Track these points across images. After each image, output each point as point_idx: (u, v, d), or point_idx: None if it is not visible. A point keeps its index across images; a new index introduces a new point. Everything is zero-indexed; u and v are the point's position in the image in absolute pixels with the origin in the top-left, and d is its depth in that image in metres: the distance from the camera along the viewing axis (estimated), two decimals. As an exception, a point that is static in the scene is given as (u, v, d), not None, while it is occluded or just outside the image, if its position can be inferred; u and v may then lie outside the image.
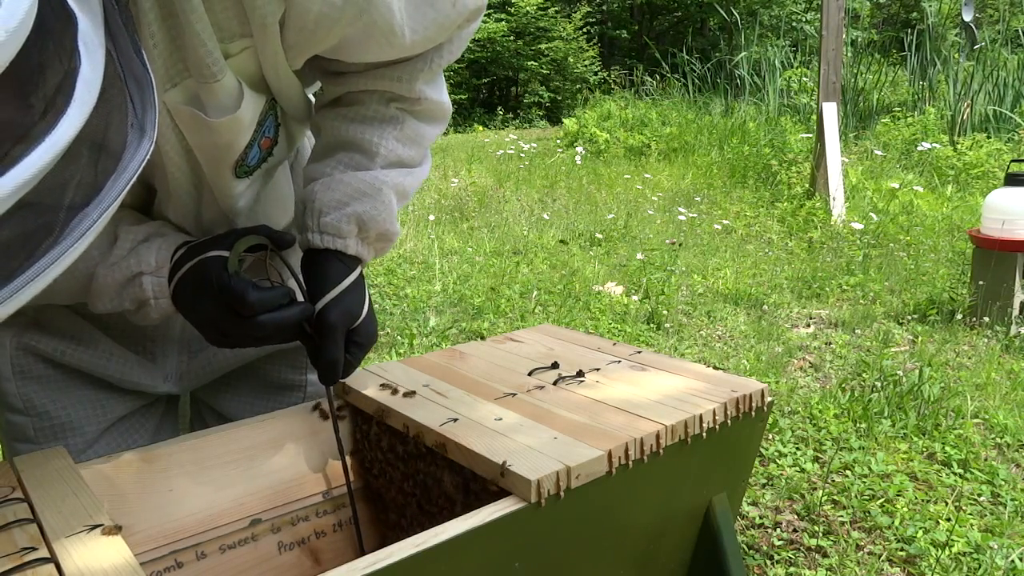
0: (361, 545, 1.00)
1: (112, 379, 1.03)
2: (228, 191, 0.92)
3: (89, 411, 1.03)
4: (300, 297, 0.90)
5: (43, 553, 0.66)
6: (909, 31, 10.70)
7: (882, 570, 1.87)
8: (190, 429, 1.19)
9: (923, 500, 2.15)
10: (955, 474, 2.29)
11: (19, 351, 0.99)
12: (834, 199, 5.71)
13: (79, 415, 1.02)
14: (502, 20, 14.30)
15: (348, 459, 1.06)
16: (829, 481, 2.25)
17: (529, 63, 14.34)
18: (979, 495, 2.18)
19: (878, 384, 2.79)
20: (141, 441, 1.08)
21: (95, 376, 1.03)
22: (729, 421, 0.92)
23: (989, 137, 7.35)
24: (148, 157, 0.53)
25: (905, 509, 2.09)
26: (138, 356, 1.05)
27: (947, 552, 1.89)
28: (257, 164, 0.93)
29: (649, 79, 11.97)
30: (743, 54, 10.39)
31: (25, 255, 0.45)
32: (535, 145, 9.44)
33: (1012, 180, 3.55)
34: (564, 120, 10.99)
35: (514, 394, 0.97)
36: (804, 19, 14.06)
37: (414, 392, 0.99)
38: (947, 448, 2.42)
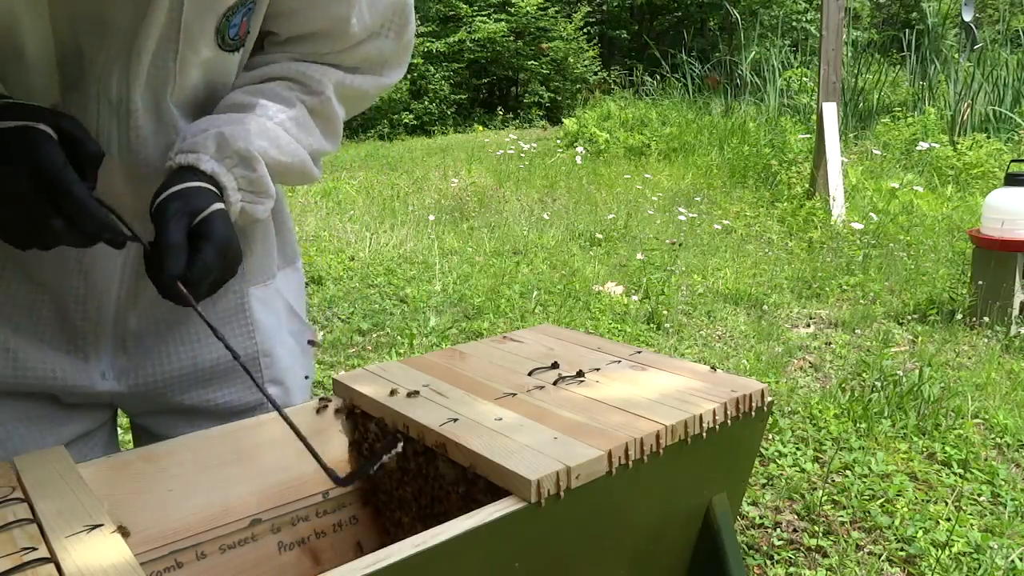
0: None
1: (48, 387, 0.97)
2: (196, 49, 0.88)
3: (19, 446, 0.96)
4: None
5: (43, 553, 0.66)
6: (909, 31, 10.70)
7: (882, 570, 1.87)
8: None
9: (923, 500, 2.15)
10: (955, 474, 2.29)
11: None
12: (834, 199, 5.71)
13: (6, 453, 0.94)
14: (502, 20, 14.28)
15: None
16: (829, 481, 2.25)
17: (529, 63, 14.33)
18: (979, 495, 2.18)
19: (878, 384, 2.79)
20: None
21: (27, 403, 0.97)
22: (729, 421, 0.92)
23: (989, 137, 7.35)
24: None
25: (905, 509, 2.09)
26: (69, 355, 0.99)
27: (947, 552, 1.89)
28: (233, 43, 0.91)
29: (649, 79, 11.96)
30: (744, 55, 10.39)
31: None
32: (535, 145, 9.44)
33: (1012, 180, 3.55)
34: (564, 120, 10.98)
35: (514, 394, 0.97)
36: (804, 19, 14.05)
37: (415, 392, 0.99)
38: (947, 448, 2.42)
